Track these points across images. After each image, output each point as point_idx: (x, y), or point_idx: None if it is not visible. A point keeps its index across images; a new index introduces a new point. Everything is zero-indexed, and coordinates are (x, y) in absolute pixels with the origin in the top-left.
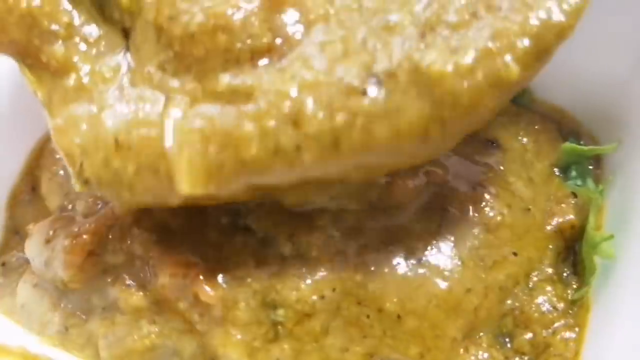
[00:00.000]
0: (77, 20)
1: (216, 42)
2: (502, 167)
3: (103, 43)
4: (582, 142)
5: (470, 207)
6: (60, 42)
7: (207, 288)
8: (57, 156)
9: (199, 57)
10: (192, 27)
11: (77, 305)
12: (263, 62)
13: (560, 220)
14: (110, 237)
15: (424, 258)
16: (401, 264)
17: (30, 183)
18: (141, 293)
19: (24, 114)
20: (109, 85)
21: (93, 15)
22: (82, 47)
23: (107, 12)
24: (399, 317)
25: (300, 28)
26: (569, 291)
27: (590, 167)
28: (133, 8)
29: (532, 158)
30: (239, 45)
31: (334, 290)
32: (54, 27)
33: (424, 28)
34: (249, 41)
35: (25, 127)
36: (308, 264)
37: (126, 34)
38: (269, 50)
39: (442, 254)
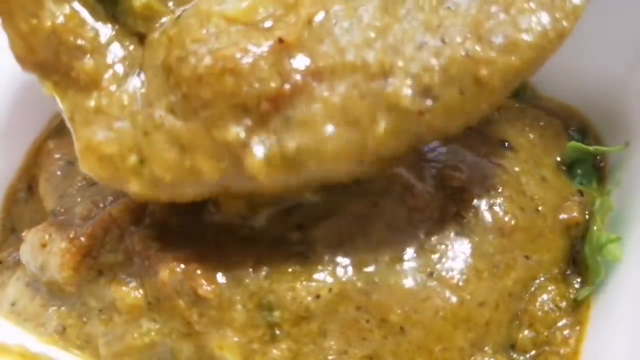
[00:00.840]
0: (102, 35)
1: (224, 85)
2: (516, 169)
3: (127, 63)
4: (586, 141)
5: (486, 213)
6: (88, 55)
7: (205, 283)
8: (56, 155)
9: (206, 100)
10: (200, 70)
11: (73, 308)
12: (274, 123)
13: (566, 217)
14: (107, 238)
15: (436, 272)
16: (411, 277)
17: (27, 182)
18: (139, 292)
19: (21, 112)
20: (125, 114)
21: (109, 23)
22: (109, 60)
23: (121, 20)
24: (402, 329)
25: (309, 76)
26: (570, 290)
27: (595, 166)
28: (146, 12)
29: (539, 153)
30: (246, 89)
31: (329, 290)
32: (80, 42)
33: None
34: (257, 85)
35: (23, 125)
36: (308, 262)
37: (141, 39)
38: (277, 96)
39: (456, 265)
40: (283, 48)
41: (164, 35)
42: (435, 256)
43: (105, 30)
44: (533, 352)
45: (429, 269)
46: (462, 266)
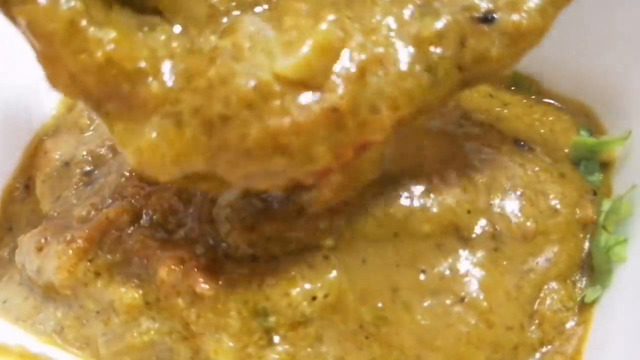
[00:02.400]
0: (157, 50)
1: (273, 164)
2: (536, 168)
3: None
4: (594, 137)
5: (512, 218)
6: (150, 78)
7: (202, 280)
8: (53, 156)
9: (251, 172)
10: (249, 143)
11: (70, 311)
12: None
13: (582, 215)
14: (105, 240)
15: (467, 297)
16: (431, 310)
17: (24, 181)
18: (137, 292)
19: (18, 112)
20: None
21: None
22: (167, 80)
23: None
24: (418, 357)
25: (359, 150)
26: (577, 290)
27: (600, 164)
28: None
29: (553, 148)
30: (295, 167)
31: (325, 296)
32: (140, 64)
33: None
34: (308, 166)
35: (21, 123)
36: (308, 271)
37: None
38: (324, 171)
39: (487, 287)
40: (337, 118)
41: (201, 76)
42: (467, 279)
43: (154, 42)
44: (540, 353)
45: (462, 294)
46: (493, 287)
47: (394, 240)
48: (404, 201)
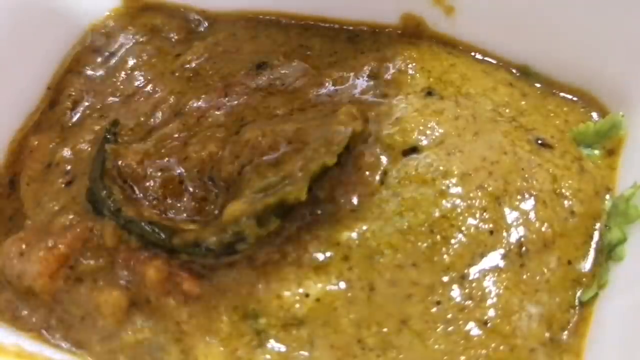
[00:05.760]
0: None
1: None
2: (553, 168)
3: None
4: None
5: (532, 229)
6: None
7: (189, 277)
8: (37, 156)
9: None
10: None
11: (52, 314)
12: None
13: (595, 212)
14: (87, 246)
15: (490, 322)
16: (455, 336)
17: (8, 177)
18: (122, 294)
19: (2, 107)
20: None
21: None
22: None
23: None
24: None
25: None
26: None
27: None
28: None
29: (571, 141)
30: None
31: (317, 300)
32: None
33: None
34: None
35: (4, 119)
36: (301, 271)
37: None
38: None
39: (512, 310)
40: None
41: None
42: (490, 303)
43: None
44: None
45: (484, 319)
46: (516, 309)
47: (411, 270)
48: (425, 229)
